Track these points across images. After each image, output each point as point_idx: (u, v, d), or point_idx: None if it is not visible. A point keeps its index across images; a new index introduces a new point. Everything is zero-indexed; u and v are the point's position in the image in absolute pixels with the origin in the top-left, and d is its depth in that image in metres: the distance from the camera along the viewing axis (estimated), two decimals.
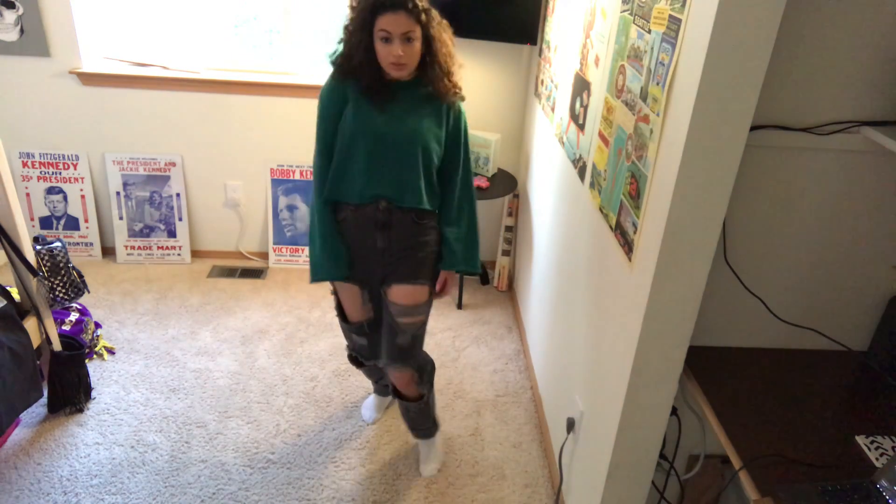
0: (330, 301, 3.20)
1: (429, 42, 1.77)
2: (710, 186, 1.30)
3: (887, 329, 1.63)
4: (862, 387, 1.59)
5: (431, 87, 1.82)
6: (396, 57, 1.71)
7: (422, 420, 2.21)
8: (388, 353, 2.03)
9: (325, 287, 3.32)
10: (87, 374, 2.43)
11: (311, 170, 3.33)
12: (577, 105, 2.12)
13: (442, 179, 1.94)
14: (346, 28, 1.79)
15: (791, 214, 1.54)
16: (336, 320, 3.03)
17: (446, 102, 1.86)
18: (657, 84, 1.40)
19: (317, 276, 1.94)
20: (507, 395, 2.66)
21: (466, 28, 2.58)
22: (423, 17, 1.72)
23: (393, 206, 1.87)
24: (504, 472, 2.29)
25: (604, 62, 1.83)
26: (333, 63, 1.83)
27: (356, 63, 1.77)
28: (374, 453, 2.32)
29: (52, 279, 2.30)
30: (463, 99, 1.91)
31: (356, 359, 2.23)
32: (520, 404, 2.62)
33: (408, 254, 1.93)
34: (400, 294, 1.94)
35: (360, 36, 1.74)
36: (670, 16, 1.34)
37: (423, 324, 2.03)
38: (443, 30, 1.80)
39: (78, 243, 3.40)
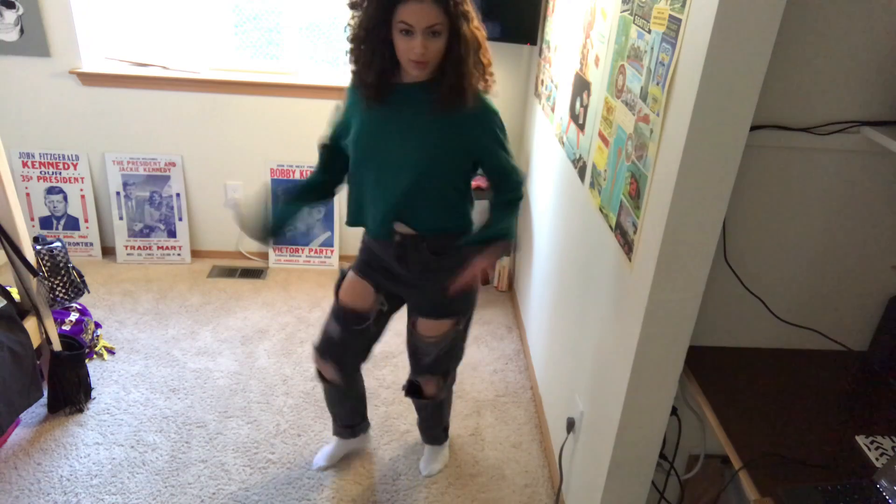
0: (330, 301, 3.19)
1: (456, 40, 1.51)
2: (710, 186, 1.30)
3: (887, 329, 1.63)
4: (862, 387, 1.59)
5: (437, 95, 1.57)
6: (418, 54, 1.48)
7: (434, 420, 2.21)
8: (416, 369, 2.01)
9: (325, 287, 3.32)
10: (87, 374, 2.43)
11: (313, 170, 3.35)
12: (577, 105, 2.12)
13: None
14: (353, 24, 1.56)
15: (791, 214, 1.54)
16: None
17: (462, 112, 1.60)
18: (657, 84, 1.40)
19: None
20: (507, 395, 2.66)
21: None
22: (454, 7, 1.47)
23: (406, 239, 1.74)
24: (504, 472, 2.29)
25: (604, 62, 1.83)
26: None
27: (366, 61, 1.55)
28: (374, 453, 2.32)
29: (52, 279, 2.30)
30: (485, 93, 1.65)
31: (321, 367, 2.01)
32: (520, 404, 2.62)
33: (430, 286, 1.83)
34: (424, 326, 1.89)
35: (375, 30, 1.51)
36: (670, 16, 1.34)
37: (453, 340, 1.93)
38: (476, 29, 1.55)
39: (78, 243, 3.40)
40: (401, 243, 1.75)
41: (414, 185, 1.66)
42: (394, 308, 1.97)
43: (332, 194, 1.95)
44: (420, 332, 1.91)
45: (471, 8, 1.53)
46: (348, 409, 2.18)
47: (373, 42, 1.53)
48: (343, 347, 1.95)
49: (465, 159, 1.69)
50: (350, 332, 1.92)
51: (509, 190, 1.77)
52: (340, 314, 1.92)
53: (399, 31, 1.48)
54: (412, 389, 2.07)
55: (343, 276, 1.96)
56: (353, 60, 1.61)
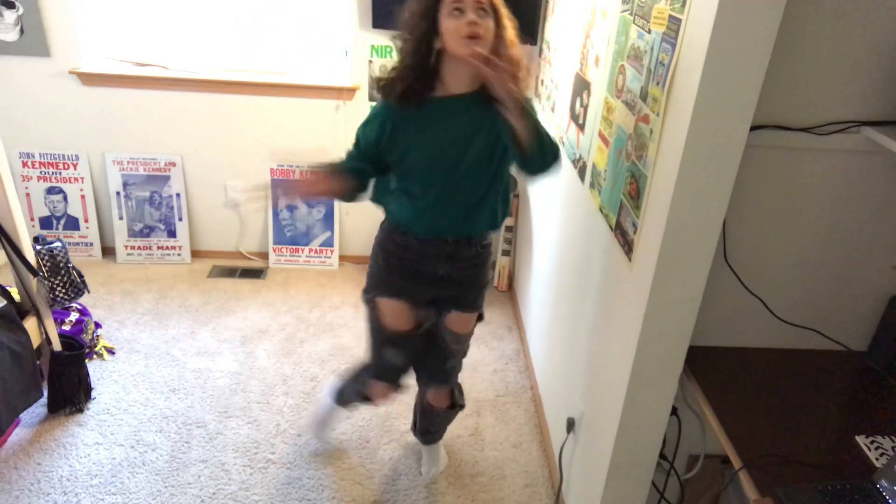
0: (330, 301, 3.20)
1: (498, 25, 1.56)
2: (710, 186, 1.30)
3: (887, 329, 1.63)
4: (862, 387, 1.59)
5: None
6: (471, 25, 1.48)
7: (443, 427, 2.22)
8: (434, 376, 2.02)
9: (325, 287, 3.32)
10: (87, 374, 2.43)
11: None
12: (577, 105, 2.12)
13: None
14: (399, 40, 1.60)
15: (791, 214, 1.54)
16: (336, 320, 3.05)
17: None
18: (657, 84, 1.40)
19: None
20: (507, 395, 2.66)
21: None
22: None
23: (461, 239, 1.75)
24: (504, 472, 2.29)
25: (604, 62, 1.83)
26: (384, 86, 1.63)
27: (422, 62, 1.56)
28: (374, 453, 2.32)
29: (52, 279, 2.30)
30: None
31: (368, 394, 2.03)
32: (520, 404, 2.62)
33: (469, 281, 1.85)
34: (457, 322, 1.91)
35: (422, 26, 1.53)
36: (670, 16, 1.34)
37: (467, 344, 2.01)
38: (511, 25, 1.61)
39: (78, 243, 3.40)
40: (455, 242, 1.75)
41: (483, 189, 1.68)
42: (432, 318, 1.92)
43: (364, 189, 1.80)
44: (453, 330, 1.92)
45: (506, 8, 1.59)
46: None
47: (419, 44, 1.55)
48: (405, 370, 1.99)
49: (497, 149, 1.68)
50: (409, 354, 1.95)
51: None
52: (395, 339, 1.90)
53: (449, 12, 1.51)
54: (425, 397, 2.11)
55: (372, 311, 1.90)
56: (400, 70, 1.61)
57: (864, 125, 1.42)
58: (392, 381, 2.00)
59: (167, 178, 3.33)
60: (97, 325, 2.77)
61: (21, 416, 2.33)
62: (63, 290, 2.33)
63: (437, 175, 1.67)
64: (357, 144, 1.73)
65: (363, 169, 1.72)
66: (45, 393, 2.36)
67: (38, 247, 2.28)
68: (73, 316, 2.57)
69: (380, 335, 1.91)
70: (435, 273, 1.79)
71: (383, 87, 1.65)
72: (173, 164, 3.31)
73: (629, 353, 1.53)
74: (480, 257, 1.83)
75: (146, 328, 2.91)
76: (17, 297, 2.28)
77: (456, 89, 1.62)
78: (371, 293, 1.88)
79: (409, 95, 1.60)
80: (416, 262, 1.78)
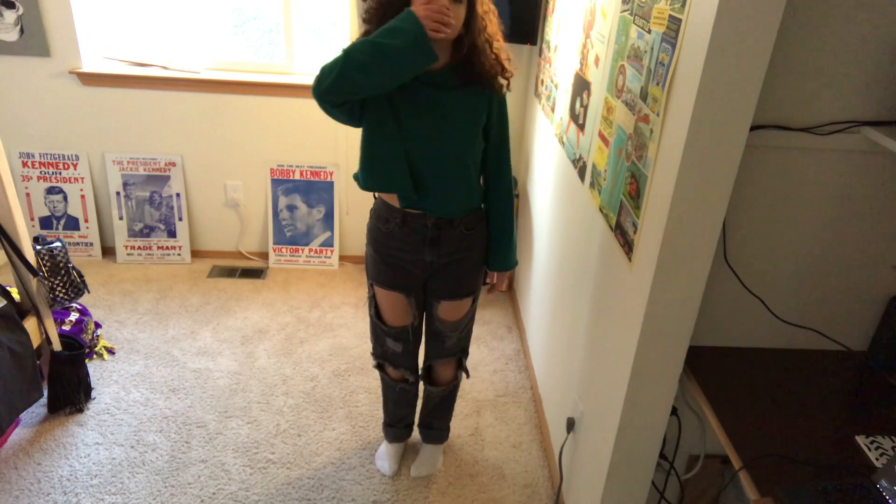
0: (330, 301, 3.20)
1: (471, 13, 1.57)
2: (710, 186, 1.30)
3: (887, 329, 1.63)
4: (862, 387, 1.59)
5: (473, 70, 1.63)
6: (439, 7, 1.45)
7: (440, 412, 2.22)
8: (437, 354, 2.05)
9: (325, 287, 3.32)
10: (87, 374, 2.43)
11: (313, 170, 3.36)
12: (577, 105, 2.12)
13: (486, 176, 1.84)
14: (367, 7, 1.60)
15: (791, 215, 1.54)
16: (336, 320, 3.05)
17: (491, 88, 1.70)
18: (657, 84, 1.40)
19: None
20: (507, 395, 2.66)
21: None
22: None
23: (442, 221, 1.77)
24: (504, 472, 2.29)
25: (604, 62, 1.83)
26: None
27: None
28: (374, 453, 2.32)
29: (52, 279, 2.30)
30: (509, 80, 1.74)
31: (383, 366, 2.12)
32: (520, 404, 2.62)
33: (456, 266, 1.86)
34: (448, 311, 1.93)
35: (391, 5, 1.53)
36: (670, 16, 1.34)
37: (469, 322, 2.02)
38: (489, 5, 1.63)
39: (78, 243, 3.40)
40: (436, 225, 1.78)
41: (457, 164, 1.72)
42: (421, 310, 2.00)
43: None
44: (443, 317, 1.95)
45: None
46: (413, 406, 2.25)
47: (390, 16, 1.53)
48: (412, 354, 2.07)
49: (480, 134, 1.76)
50: (410, 342, 2.03)
51: (503, 186, 1.86)
52: (393, 333, 1.99)
53: None
54: (427, 376, 2.14)
55: (373, 299, 1.96)
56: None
57: (864, 125, 1.42)
58: (400, 366, 2.06)
59: (167, 178, 3.33)
60: (97, 325, 2.77)
61: (21, 416, 2.33)
62: (63, 290, 2.33)
63: (421, 137, 1.70)
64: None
65: None
66: (45, 393, 2.36)
67: (38, 247, 2.28)
68: (73, 316, 2.56)
69: (379, 326, 2.00)
70: (423, 259, 1.83)
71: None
72: (173, 164, 3.31)
73: (629, 353, 1.53)
74: (469, 241, 1.85)
75: (146, 328, 2.91)
76: (17, 297, 2.28)
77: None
78: (370, 279, 1.95)
79: None
80: (400, 252, 1.83)
